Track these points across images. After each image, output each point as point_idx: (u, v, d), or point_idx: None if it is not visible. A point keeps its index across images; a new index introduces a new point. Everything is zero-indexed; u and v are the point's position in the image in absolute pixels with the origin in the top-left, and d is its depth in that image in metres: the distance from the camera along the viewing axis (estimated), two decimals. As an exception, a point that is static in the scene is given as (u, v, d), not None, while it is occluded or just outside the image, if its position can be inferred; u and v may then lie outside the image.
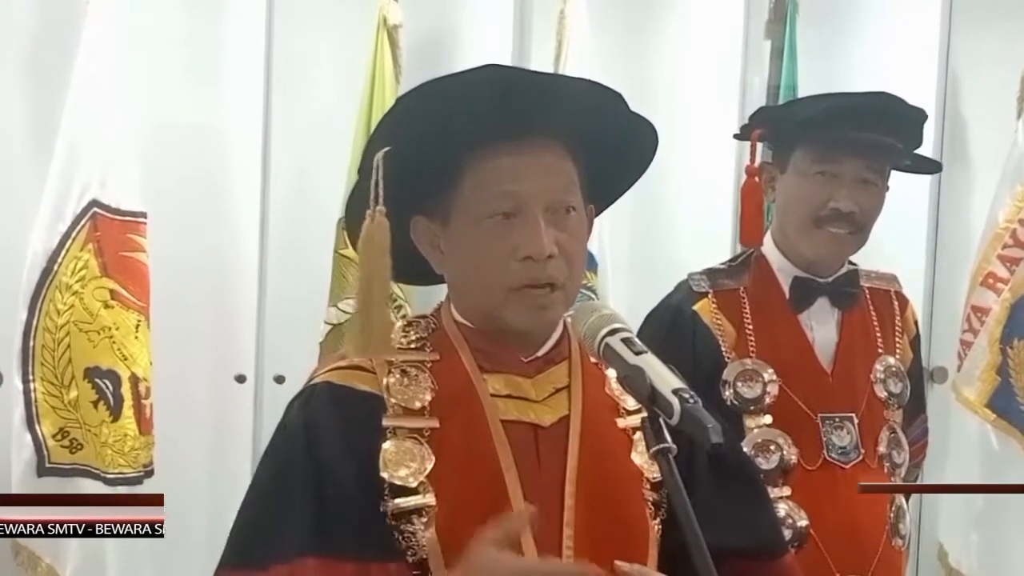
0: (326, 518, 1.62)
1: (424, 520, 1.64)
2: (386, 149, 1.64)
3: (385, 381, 1.70)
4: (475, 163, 1.67)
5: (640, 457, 1.75)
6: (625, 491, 1.74)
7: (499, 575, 1.53)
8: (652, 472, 1.73)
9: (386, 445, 1.66)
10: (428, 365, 1.73)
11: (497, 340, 1.74)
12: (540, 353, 1.76)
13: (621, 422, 1.78)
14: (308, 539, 1.61)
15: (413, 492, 1.64)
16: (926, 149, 2.88)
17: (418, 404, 1.69)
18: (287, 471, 1.67)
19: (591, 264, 3.81)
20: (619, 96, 1.74)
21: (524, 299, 1.68)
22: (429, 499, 1.64)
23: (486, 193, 1.67)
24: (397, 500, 1.65)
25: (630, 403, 1.77)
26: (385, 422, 1.68)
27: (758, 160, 2.70)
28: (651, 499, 1.74)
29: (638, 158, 1.84)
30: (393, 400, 1.69)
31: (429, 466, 1.66)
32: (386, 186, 1.65)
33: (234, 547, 1.67)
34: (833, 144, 2.57)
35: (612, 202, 1.90)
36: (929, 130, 3.62)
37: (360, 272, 1.71)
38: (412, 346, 1.76)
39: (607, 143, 1.76)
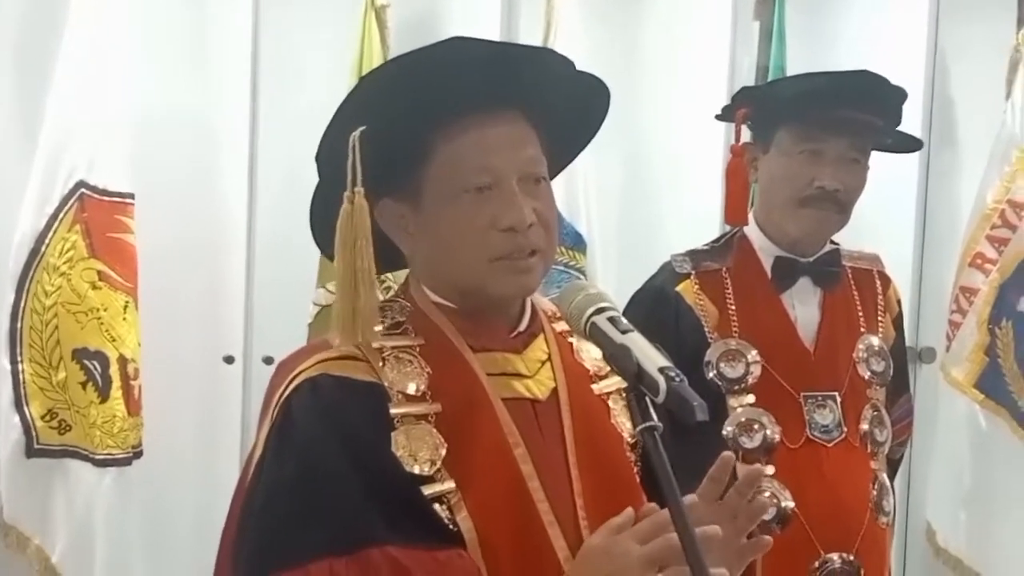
0: (385, 505, 1.58)
1: (444, 508, 1.61)
2: (362, 128, 1.61)
3: (382, 369, 1.67)
4: (446, 139, 1.65)
5: (616, 420, 1.79)
6: (617, 455, 1.77)
7: (631, 563, 1.53)
8: (627, 433, 1.78)
9: (395, 434, 1.63)
10: (416, 350, 1.70)
11: (480, 318, 1.73)
12: (522, 328, 1.77)
13: (595, 388, 1.80)
14: (375, 527, 1.56)
15: (430, 480, 1.62)
16: (914, 130, 2.88)
17: (417, 390, 1.66)
18: (320, 462, 1.59)
19: (580, 244, 3.82)
20: (570, 62, 1.74)
21: (505, 267, 1.67)
22: (448, 485, 1.62)
23: (461, 168, 1.65)
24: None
25: (601, 369, 1.80)
26: (392, 411, 1.63)
27: (743, 140, 2.70)
28: (632, 459, 1.78)
29: (591, 123, 1.85)
30: (394, 388, 1.66)
31: (443, 452, 1.63)
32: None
33: (269, 549, 1.58)
34: (816, 123, 2.58)
35: (562, 169, 1.89)
36: (917, 111, 3.65)
37: (342, 257, 1.65)
38: (391, 332, 1.72)
39: (564, 111, 1.76)
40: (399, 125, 1.64)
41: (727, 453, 1.71)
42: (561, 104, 1.75)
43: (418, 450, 1.62)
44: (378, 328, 1.71)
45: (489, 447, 1.66)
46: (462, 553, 1.59)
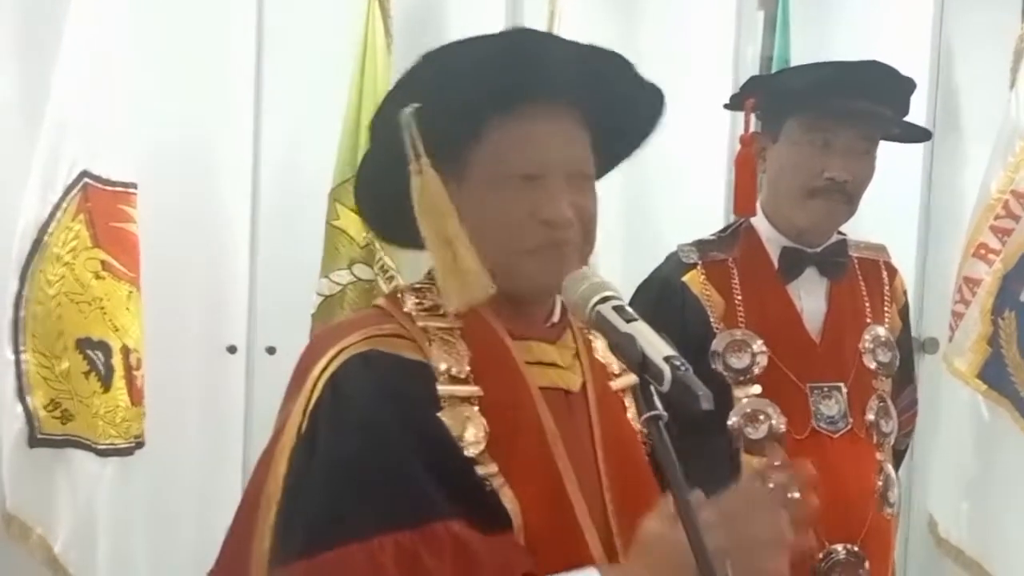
0: (445, 481, 1.57)
1: (489, 490, 1.61)
2: (416, 105, 1.62)
3: (429, 349, 1.67)
4: (501, 124, 1.66)
5: (631, 417, 1.81)
6: (636, 451, 1.78)
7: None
8: (642, 431, 1.79)
9: (441, 414, 1.62)
10: (457, 332, 1.70)
11: (518, 305, 1.73)
12: (556, 319, 1.78)
13: (613, 385, 1.82)
14: (438, 503, 1.55)
15: (474, 462, 1.61)
16: (919, 120, 2.88)
17: (461, 372, 1.65)
18: (383, 436, 1.58)
19: (583, 235, 3.81)
20: (631, 65, 1.73)
21: (539, 256, 1.67)
22: (493, 468, 1.61)
23: (511, 154, 1.66)
24: None
25: (615, 366, 1.82)
26: (440, 390, 1.63)
27: (752, 129, 2.69)
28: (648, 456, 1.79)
29: (640, 132, 1.84)
30: (440, 368, 1.65)
31: (487, 435, 1.62)
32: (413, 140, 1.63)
33: (334, 521, 1.55)
34: (826, 113, 2.57)
35: (603, 175, 1.89)
36: (922, 101, 3.64)
37: (428, 225, 1.66)
38: (431, 313, 1.71)
39: (618, 117, 1.76)
40: (456, 102, 1.64)
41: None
42: (618, 111, 1.75)
43: (463, 431, 1.62)
44: (418, 310, 1.71)
45: (530, 435, 1.66)
46: (512, 538, 1.59)
